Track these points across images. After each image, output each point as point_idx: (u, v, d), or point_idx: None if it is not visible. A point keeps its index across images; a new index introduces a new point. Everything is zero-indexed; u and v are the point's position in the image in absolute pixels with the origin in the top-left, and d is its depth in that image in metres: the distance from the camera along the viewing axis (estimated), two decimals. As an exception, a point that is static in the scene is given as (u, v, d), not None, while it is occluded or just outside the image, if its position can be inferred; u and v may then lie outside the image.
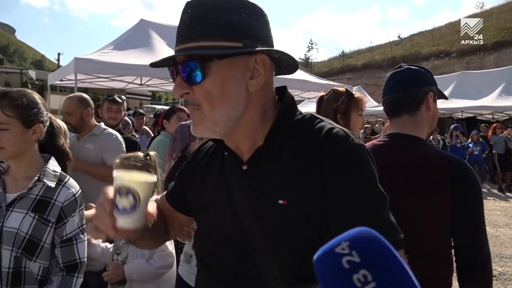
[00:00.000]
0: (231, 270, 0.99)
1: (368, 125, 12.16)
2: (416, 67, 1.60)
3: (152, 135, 7.09)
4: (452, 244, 1.44)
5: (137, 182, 0.87)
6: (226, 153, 1.04)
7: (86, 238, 1.71)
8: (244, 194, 0.98)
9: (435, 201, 1.39)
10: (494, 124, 12.51)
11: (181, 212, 1.20)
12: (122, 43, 8.35)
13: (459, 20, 38.17)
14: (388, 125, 2.66)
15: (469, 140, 12.03)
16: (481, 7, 45.36)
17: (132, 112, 7.74)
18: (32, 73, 46.45)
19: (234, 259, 0.99)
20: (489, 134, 12.04)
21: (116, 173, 0.88)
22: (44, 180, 1.61)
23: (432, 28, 40.83)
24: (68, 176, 1.72)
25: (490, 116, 16.08)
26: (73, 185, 1.69)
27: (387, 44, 43.52)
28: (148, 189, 0.89)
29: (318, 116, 1.01)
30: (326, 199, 0.88)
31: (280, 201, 0.91)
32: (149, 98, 44.85)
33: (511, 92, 14.25)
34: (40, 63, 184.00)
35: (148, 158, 2.23)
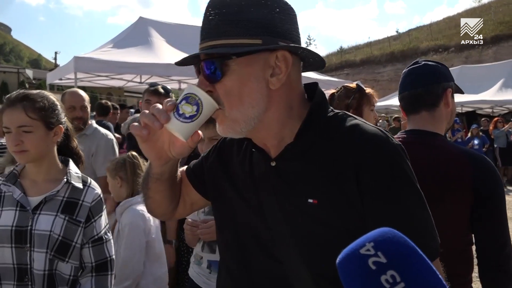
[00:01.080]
0: (257, 270, 0.98)
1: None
2: (433, 63, 1.58)
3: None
4: (473, 241, 1.43)
5: (208, 100, 0.90)
6: (253, 150, 1.03)
7: (111, 237, 1.76)
8: (272, 191, 0.96)
9: (458, 198, 1.38)
10: (496, 118, 12.52)
11: (196, 189, 1.20)
12: (121, 41, 8.32)
13: (458, 17, 38.28)
14: (405, 122, 2.62)
15: (469, 135, 12.04)
16: (479, 1, 45.32)
17: (135, 110, 7.67)
18: (29, 72, 46.29)
19: (259, 258, 0.98)
20: (491, 128, 12.06)
21: (190, 85, 0.94)
22: (72, 182, 1.63)
23: (430, 22, 40.84)
24: (88, 177, 1.75)
25: (490, 110, 16.08)
26: (96, 186, 1.74)
27: (385, 39, 43.48)
28: (210, 112, 0.92)
29: (351, 114, 1.00)
30: (364, 201, 0.86)
31: (310, 200, 0.90)
32: (147, 96, 44.78)
33: (511, 86, 14.26)
34: (37, 62, 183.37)
35: (129, 158, 2.26)
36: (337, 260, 0.50)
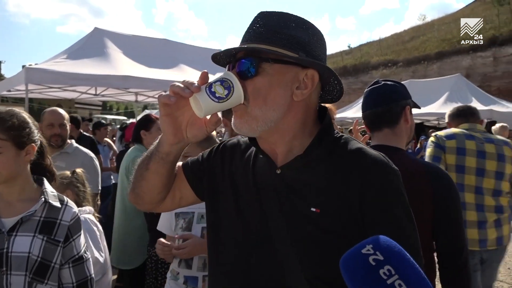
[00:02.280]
0: (254, 271, 1.01)
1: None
2: (391, 83, 1.70)
3: (114, 147, 6.82)
4: (435, 247, 1.53)
5: (240, 91, 0.96)
6: (261, 156, 1.09)
7: (90, 256, 1.72)
8: (275, 197, 1.02)
9: (421, 209, 1.47)
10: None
11: (190, 185, 1.23)
12: (75, 52, 8.03)
13: (405, 34, 40.28)
14: (365, 137, 2.78)
15: (418, 146, 12.65)
16: (423, 19, 48.05)
17: (94, 123, 7.40)
18: (-29, 83, 43.48)
19: (257, 259, 1.01)
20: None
21: (228, 72, 1.00)
22: (50, 201, 1.58)
23: (379, 38, 42.73)
24: (65, 196, 1.70)
25: (436, 122, 17.02)
26: (73, 205, 1.69)
27: (338, 54, 44.96)
28: (236, 103, 0.98)
29: (354, 138, 1.09)
30: (364, 217, 0.95)
31: (313, 209, 0.97)
32: (100, 108, 43.39)
33: (454, 99, 15.18)
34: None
35: (75, 175, 2.28)
36: (341, 260, 0.61)
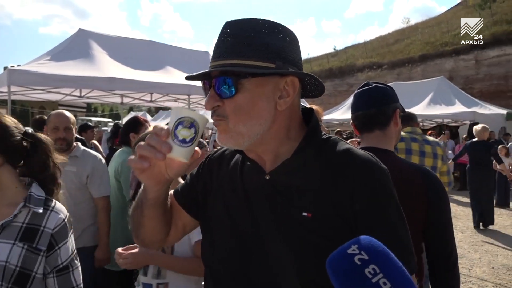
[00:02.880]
0: (249, 281, 1.00)
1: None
2: (382, 85, 1.71)
3: (101, 149, 6.73)
4: (424, 249, 1.54)
5: (203, 119, 0.94)
6: (248, 163, 1.07)
7: (79, 264, 1.60)
8: (266, 203, 1.01)
9: (413, 210, 1.48)
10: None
11: (186, 210, 1.21)
12: (59, 53, 7.90)
13: (389, 37, 40.80)
14: (353, 140, 2.84)
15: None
16: (407, 22, 48.76)
17: (80, 125, 7.29)
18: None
19: (251, 269, 1.00)
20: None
21: (178, 108, 0.96)
22: (31, 206, 1.48)
23: (364, 41, 43.19)
24: (54, 200, 1.60)
25: (421, 124, 17.28)
26: (61, 209, 1.58)
27: (324, 56, 45.32)
28: (204, 126, 0.96)
29: (341, 139, 1.09)
30: (357, 218, 0.94)
31: (304, 213, 0.96)
32: (84, 110, 42.88)
33: (438, 101, 15.44)
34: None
35: None
36: (327, 260, 0.62)
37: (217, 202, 1.11)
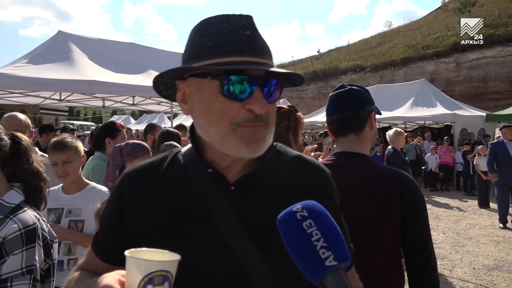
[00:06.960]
0: None
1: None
2: (357, 88, 1.68)
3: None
4: (403, 254, 1.52)
5: (173, 263, 0.74)
6: (210, 170, 0.97)
7: (28, 282, 1.44)
8: (233, 217, 0.94)
9: (389, 215, 1.46)
10: (406, 134, 13.59)
11: (115, 264, 0.94)
12: (38, 56, 7.74)
13: (372, 40, 41.26)
14: (307, 150, 2.80)
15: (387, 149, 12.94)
16: (389, 26, 49.42)
17: (61, 128, 7.09)
18: None
19: (228, 285, 0.92)
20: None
21: (142, 259, 0.71)
22: None
23: (347, 44, 43.58)
24: (25, 209, 1.52)
25: (403, 126, 17.47)
26: (23, 220, 1.47)
27: (308, 59, 45.58)
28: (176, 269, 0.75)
29: (283, 145, 1.11)
30: None
31: (274, 219, 0.91)
32: (66, 114, 42.16)
33: (420, 103, 15.64)
34: None
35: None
36: (278, 217, 0.75)
37: (166, 226, 0.96)
